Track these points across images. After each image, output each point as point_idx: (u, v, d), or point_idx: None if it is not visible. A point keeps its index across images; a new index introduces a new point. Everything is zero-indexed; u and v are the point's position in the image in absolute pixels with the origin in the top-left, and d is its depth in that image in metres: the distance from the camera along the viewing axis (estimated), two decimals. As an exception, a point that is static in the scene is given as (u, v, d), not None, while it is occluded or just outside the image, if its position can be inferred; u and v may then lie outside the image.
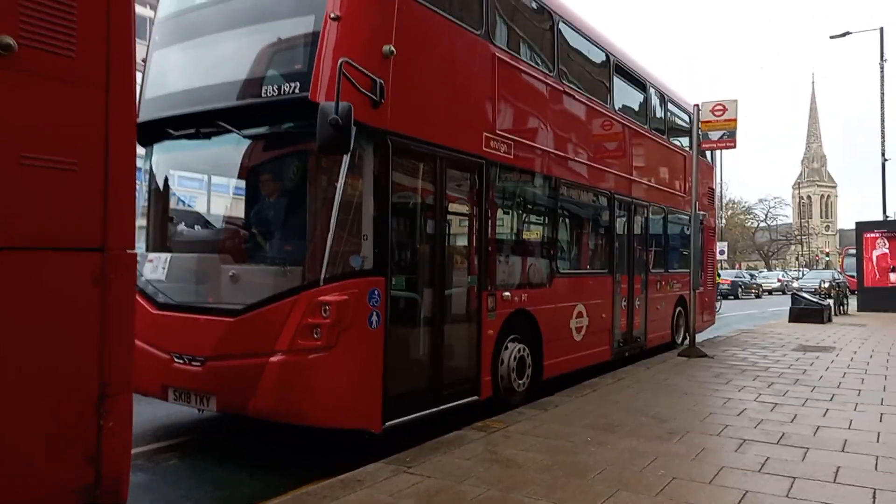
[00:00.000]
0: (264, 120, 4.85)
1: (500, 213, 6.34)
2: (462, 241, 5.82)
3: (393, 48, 4.61)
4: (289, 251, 4.87)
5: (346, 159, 4.43)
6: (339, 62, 4.13)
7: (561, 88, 7.17)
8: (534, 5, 6.99)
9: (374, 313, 4.54)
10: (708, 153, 12.42)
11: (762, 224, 70.82)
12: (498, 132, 5.99)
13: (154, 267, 5.23)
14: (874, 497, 3.74)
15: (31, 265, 2.60)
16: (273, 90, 4.58)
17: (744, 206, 68.28)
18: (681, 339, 11.14)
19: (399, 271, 5.01)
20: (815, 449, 4.70)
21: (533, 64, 6.83)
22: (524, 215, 6.99)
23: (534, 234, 7.23)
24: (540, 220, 7.27)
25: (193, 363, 4.69)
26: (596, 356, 7.95)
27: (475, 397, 5.66)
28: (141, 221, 5.46)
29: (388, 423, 4.66)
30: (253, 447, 5.25)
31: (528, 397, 6.34)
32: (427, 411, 5.08)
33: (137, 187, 4.05)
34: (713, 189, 13.41)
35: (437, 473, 4.06)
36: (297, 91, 4.46)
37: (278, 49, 4.78)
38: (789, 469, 4.22)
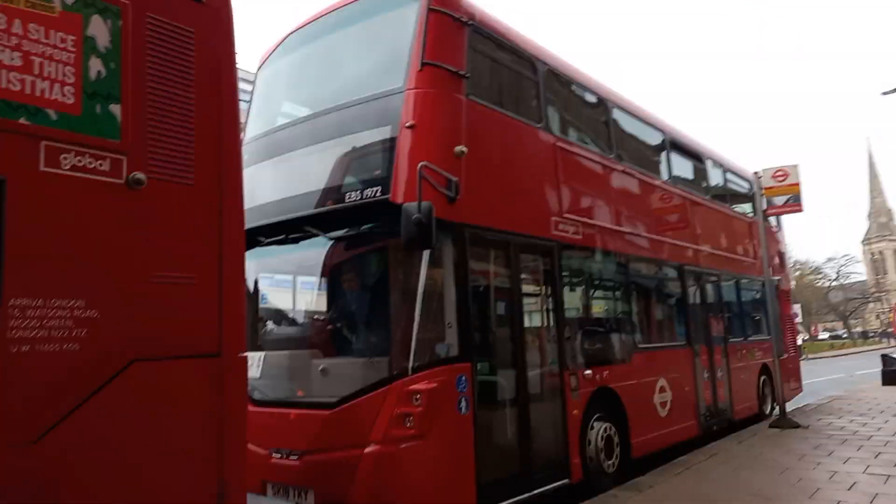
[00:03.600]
0: (347, 222, 5.18)
1: (574, 292, 6.43)
2: (540, 322, 5.90)
3: (464, 148, 4.93)
4: (377, 343, 5.06)
5: (426, 253, 4.67)
6: (419, 166, 4.46)
7: (621, 168, 7.37)
8: (587, 95, 7.33)
9: (463, 399, 4.62)
10: (772, 217, 12.25)
11: (834, 283, 67.64)
12: (565, 215, 6.18)
13: (248, 365, 5.48)
14: None
15: (158, 374, 2.83)
16: (356, 195, 4.93)
17: (812, 266, 65.67)
18: (768, 409, 10.63)
19: (483, 356, 5.10)
20: (943, 521, 4.40)
21: (592, 148, 7.09)
22: (598, 292, 7.05)
23: (609, 310, 7.25)
24: (613, 296, 7.30)
25: (291, 457, 4.83)
26: (683, 432, 7.69)
27: (566, 480, 5.56)
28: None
29: (483, 511, 4.63)
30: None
31: (618, 478, 6.16)
32: (520, 497, 5.02)
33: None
34: (783, 252, 13.11)
35: (541, 562, 3.98)
36: (378, 194, 4.80)
37: (358, 157, 5.18)
38: (918, 544, 3.95)
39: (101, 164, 2.70)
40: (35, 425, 2.37)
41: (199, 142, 3.08)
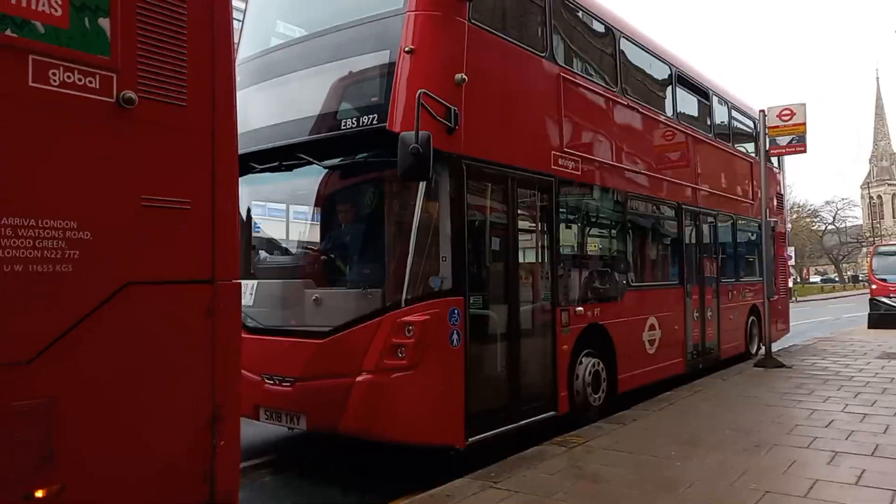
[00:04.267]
0: (343, 150, 5.08)
1: (570, 228, 6.40)
2: (535, 258, 5.91)
3: (465, 76, 4.78)
4: (372, 274, 5.06)
5: (422, 184, 4.61)
6: (418, 93, 4.32)
7: (625, 103, 7.20)
8: (595, 24, 7.07)
9: (455, 332, 4.67)
10: (774, 158, 12.10)
11: (830, 227, 67.82)
12: (566, 150, 6.07)
13: (242, 293, 5.51)
14: (984, 511, 3.61)
15: (152, 298, 2.83)
16: (352, 122, 4.81)
17: (809, 209, 65.68)
18: (755, 349, 10.84)
19: (476, 290, 5.11)
20: (914, 461, 4.55)
21: (596, 81, 6.90)
22: (594, 230, 7.03)
23: (604, 248, 7.26)
24: (609, 233, 7.29)
25: (283, 384, 4.93)
26: (670, 369, 7.85)
27: (552, 412, 5.70)
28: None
29: (471, 439, 4.76)
30: (340, 463, 5.43)
31: (603, 412, 6.33)
32: (508, 427, 5.16)
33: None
34: (781, 194, 13.05)
35: (524, 488, 4.13)
36: (374, 122, 4.68)
37: (355, 83, 5.02)
38: (890, 482, 4.09)
39: (90, 82, 2.60)
40: (30, 345, 2.39)
41: (192, 60, 2.97)
